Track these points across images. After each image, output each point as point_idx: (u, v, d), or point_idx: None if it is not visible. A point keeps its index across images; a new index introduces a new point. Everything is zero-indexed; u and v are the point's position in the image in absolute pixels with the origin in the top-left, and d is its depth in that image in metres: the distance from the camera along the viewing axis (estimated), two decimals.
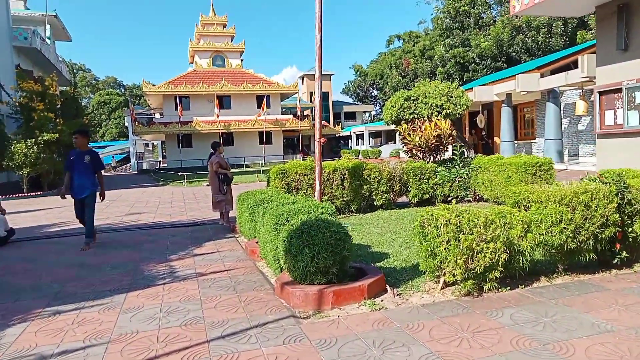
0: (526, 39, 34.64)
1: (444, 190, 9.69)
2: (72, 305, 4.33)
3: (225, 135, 39.68)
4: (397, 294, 4.20)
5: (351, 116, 66.57)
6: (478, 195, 9.85)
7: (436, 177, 9.55)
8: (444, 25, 44.79)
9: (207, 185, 17.51)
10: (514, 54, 35.90)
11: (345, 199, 9.21)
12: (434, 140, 9.49)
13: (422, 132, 9.59)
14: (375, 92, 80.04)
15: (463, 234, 3.93)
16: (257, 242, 6.26)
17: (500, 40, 36.16)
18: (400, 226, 7.63)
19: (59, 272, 5.72)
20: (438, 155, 10.17)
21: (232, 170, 9.55)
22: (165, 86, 39.05)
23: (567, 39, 33.50)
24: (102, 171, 7.66)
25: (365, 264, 4.93)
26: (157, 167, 42.60)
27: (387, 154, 38.94)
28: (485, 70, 38.06)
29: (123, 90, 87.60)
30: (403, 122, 22.75)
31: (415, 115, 22.18)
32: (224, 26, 44.49)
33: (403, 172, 9.50)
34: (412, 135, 9.87)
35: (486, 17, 42.08)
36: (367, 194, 9.33)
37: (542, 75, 18.15)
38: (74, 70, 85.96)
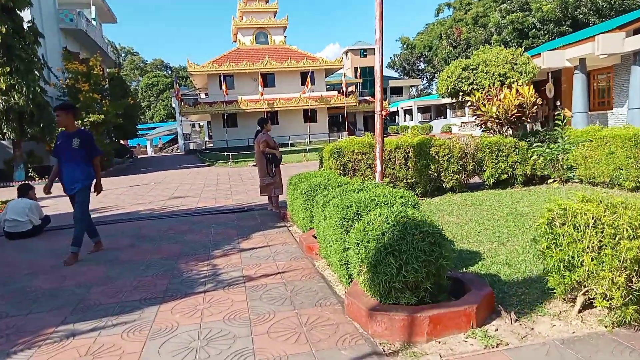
0: None
1: (525, 169, 8.29)
2: (92, 322, 3.46)
3: (269, 114, 38.95)
4: (515, 320, 3.04)
5: (397, 91, 64.33)
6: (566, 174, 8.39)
7: (517, 154, 8.15)
8: None
9: (254, 165, 16.75)
10: (581, 16, 32.65)
11: (409, 181, 8.02)
12: (515, 111, 8.03)
13: (501, 100, 8.15)
14: (422, 66, 76.92)
15: (623, 239, 2.69)
16: (314, 237, 5.24)
17: (565, 2, 32.94)
18: (481, 214, 6.37)
19: (86, 271, 4.93)
20: (517, 128, 8.69)
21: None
22: (209, 65, 38.61)
23: None
24: (99, 157, 5.84)
25: (462, 273, 3.77)
26: (204, 147, 42.65)
27: (438, 129, 37.01)
28: (547, 36, 34.97)
29: (170, 72, 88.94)
30: (461, 93, 20.99)
31: (475, 86, 20.28)
32: (267, 1, 43.32)
33: (477, 148, 8.16)
34: (487, 105, 8.44)
35: None
36: (435, 174, 8.08)
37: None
38: (122, 54, 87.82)
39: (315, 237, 5.23)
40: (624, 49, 15.29)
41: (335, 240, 3.81)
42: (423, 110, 47.01)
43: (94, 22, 26.66)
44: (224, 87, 37.15)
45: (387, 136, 39.57)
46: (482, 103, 8.51)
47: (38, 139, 18.01)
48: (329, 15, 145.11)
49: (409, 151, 7.99)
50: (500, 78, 19.79)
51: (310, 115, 39.45)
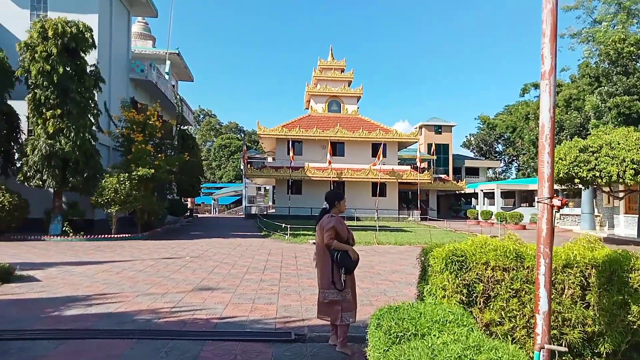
0: None
1: None
2: None
3: (336, 184, 36.44)
4: None
5: (473, 172, 60.02)
6: None
7: None
8: (600, 70, 37.76)
9: (314, 242, 13.60)
10: None
11: (588, 329, 4.42)
12: None
13: None
14: (500, 147, 72.75)
15: None
16: None
17: None
18: None
19: None
20: None
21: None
22: (279, 129, 37.44)
23: None
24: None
25: None
26: (265, 212, 40.58)
27: (527, 219, 32.31)
28: None
29: (242, 135, 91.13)
30: (577, 180, 17.03)
31: (597, 172, 16.36)
32: (342, 71, 42.52)
33: None
34: None
35: None
36: (638, 322, 4.44)
37: None
38: (201, 115, 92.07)
39: None
40: None
41: None
42: (505, 195, 42.40)
43: (166, 76, 26.14)
44: (291, 153, 35.49)
45: (464, 221, 34.93)
46: None
47: (81, 190, 16.23)
48: (400, 92, 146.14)
49: (589, 275, 4.48)
50: (634, 165, 15.76)
51: (379, 189, 36.38)
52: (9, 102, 16.80)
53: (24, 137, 17.04)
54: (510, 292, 4.54)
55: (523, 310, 4.54)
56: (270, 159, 47.41)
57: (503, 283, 4.56)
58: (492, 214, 33.34)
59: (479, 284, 4.57)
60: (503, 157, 72.44)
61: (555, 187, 20.41)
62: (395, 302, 7.13)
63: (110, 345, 4.66)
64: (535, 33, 3.00)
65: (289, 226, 18.48)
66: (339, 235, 4.95)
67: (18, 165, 16.29)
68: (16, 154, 16.57)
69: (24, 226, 15.84)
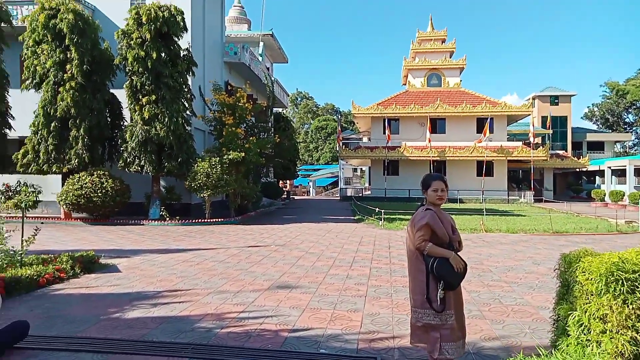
0: None
1: None
2: None
3: (436, 164, 34.12)
4: None
5: (597, 146, 52.97)
6: None
7: None
8: None
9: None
10: None
11: None
12: None
13: None
14: (631, 118, 63.49)
15: None
16: None
17: None
18: None
19: None
20: None
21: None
22: (374, 108, 35.86)
23: None
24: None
25: None
26: (360, 194, 39.54)
27: None
28: None
29: (339, 116, 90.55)
30: None
31: None
32: (443, 41, 39.41)
33: None
34: None
35: None
36: None
37: None
38: (298, 98, 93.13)
39: None
40: None
41: None
42: (638, 172, 36.48)
43: (260, 58, 25.90)
44: (387, 132, 33.82)
45: (587, 203, 30.45)
46: None
47: (176, 175, 16.47)
48: (507, 63, 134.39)
49: None
50: None
51: (485, 168, 33.29)
52: (112, 90, 17.50)
53: (126, 124, 17.69)
54: None
55: None
56: (365, 139, 46.06)
57: None
58: (623, 195, 28.70)
59: None
60: (634, 129, 63.14)
61: None
62: (515, 314, 5.52)
63: None
64: None
65: (382, 211, 17.14)
66: (436, 235, 3.57)
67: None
68: (119, 141, 17.26)
69: (126, 210, 16.55)
